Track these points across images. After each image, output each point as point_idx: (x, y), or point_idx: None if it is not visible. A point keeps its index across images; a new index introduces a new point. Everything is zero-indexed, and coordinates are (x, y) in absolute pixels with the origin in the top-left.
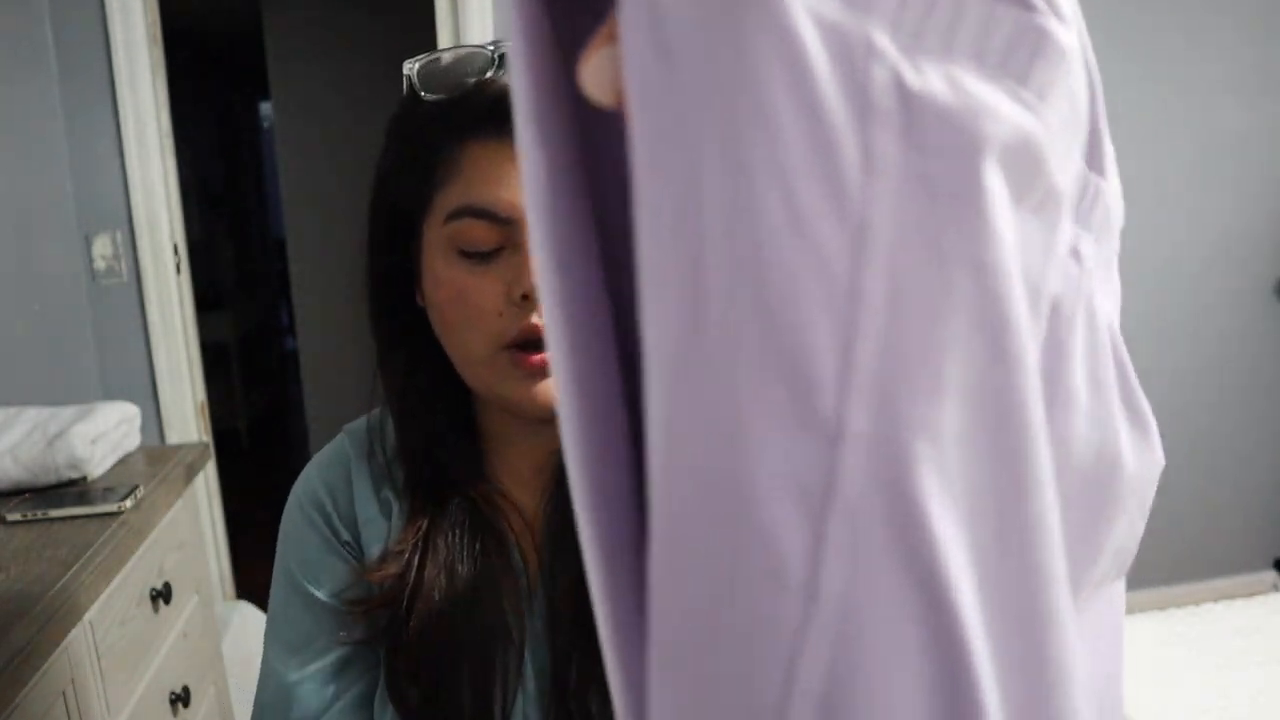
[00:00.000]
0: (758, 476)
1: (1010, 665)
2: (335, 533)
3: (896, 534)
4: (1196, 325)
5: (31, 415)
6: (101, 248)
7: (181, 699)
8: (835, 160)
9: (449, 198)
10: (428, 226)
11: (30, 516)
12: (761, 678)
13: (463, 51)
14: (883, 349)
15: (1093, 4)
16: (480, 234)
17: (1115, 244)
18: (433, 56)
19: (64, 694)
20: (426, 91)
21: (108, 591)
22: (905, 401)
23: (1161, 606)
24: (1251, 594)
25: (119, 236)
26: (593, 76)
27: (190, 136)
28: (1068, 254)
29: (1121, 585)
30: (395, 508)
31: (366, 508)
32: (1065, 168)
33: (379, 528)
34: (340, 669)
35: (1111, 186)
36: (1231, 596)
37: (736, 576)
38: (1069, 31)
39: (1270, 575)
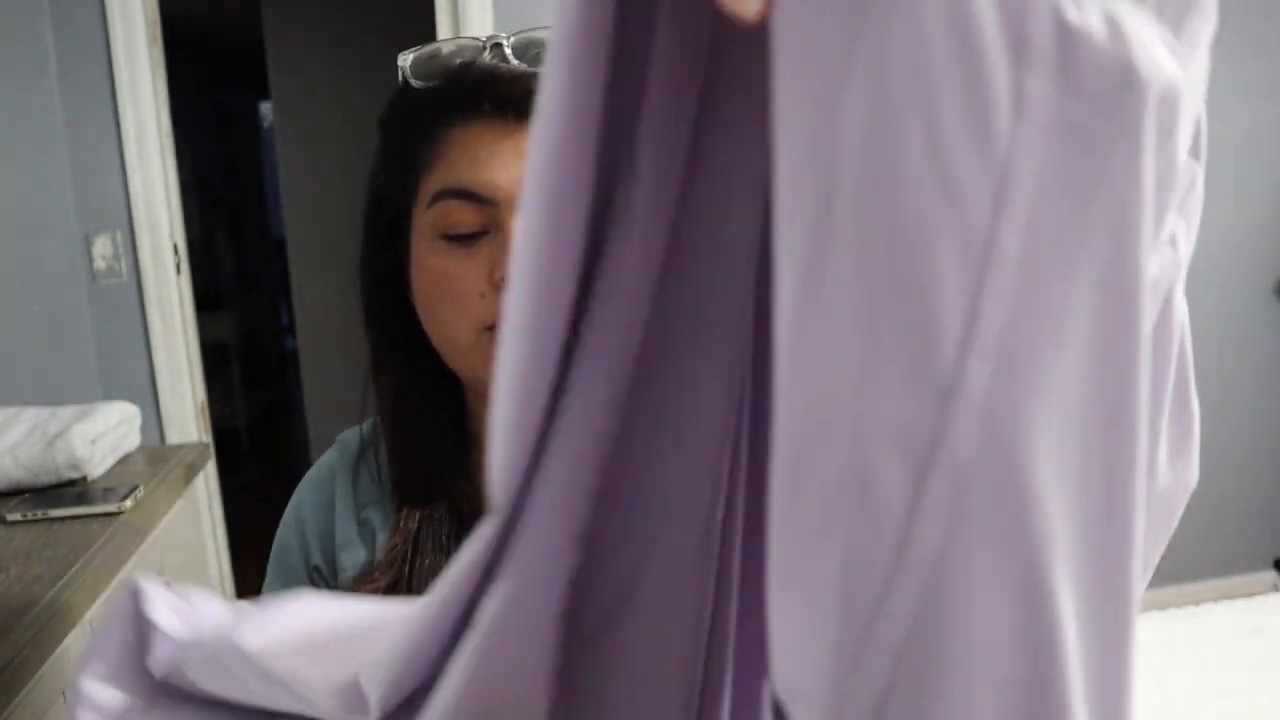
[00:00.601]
0: (867, 420)
1: (1093, 652)
2: (307, 557)
3: (1002, 501)
4: (1196, 325)
5: (31, 415)
6: (101, 248)
7: None
8: (986, 99)
9: (432, 182)
10: (415, 216)
11: (30, 516)
12: (848, 617)
13: (454, 44)
14: (1011, 307)
15: None
16: (462, 216)
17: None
18: (425, 48)
19: (64, 694)
20: (416, 79)
21: (108, 591)
22: (1028, 364)
23: (1161, 606)
24: (1251, 594)
25: (119, 236)
26: None
27: (190, 136)
28: (1167, 240)
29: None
30: (377, 529)
31: (346, 530)
32: (1186, 138)
33: (356, 553)
34: None
35: (1201, 175)
36: (1231, 596)
37: (836, 513)
38: None
39: (1270, 575)
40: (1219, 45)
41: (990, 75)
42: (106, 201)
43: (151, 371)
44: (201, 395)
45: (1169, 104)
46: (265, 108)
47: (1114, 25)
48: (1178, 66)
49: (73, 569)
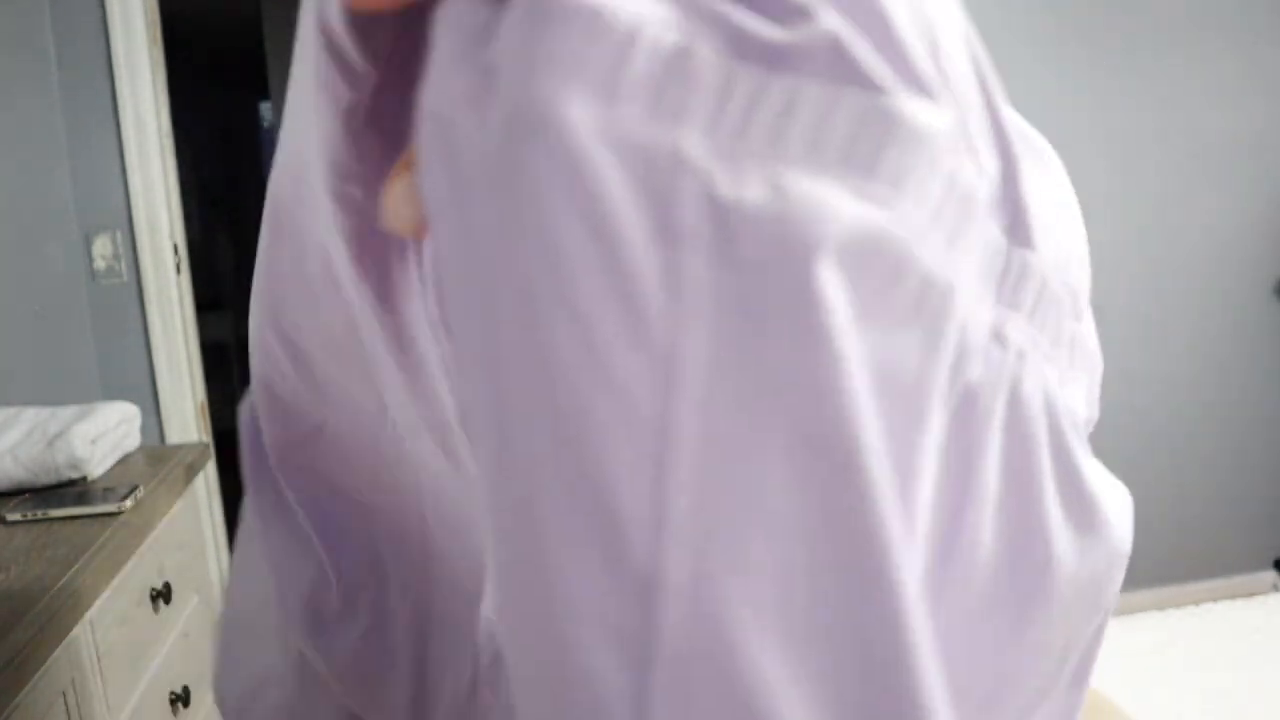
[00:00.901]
0: (577, 622)
1: None
2: None
3: (725, 686)
4: (1196, 325)
5: (31, 415)
6: (101, 248)
7: (181, 699)
8: (634, 289)
9: None
10: None
11: (30, 516)
12: None
13: None
14: (700, 489)
15: (1092, 13)
16: None
17: (1074, 312)
18: None
19: (64, 694)
20: None
21: (108, 591)
22: (729, 544)
23: (1161, 606)
24: (1251, 594)
25: (119, 236)
26: (393, 208)
27: (190, 136)
28: (989, 340)
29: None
30: None
31: None
32: (952, 257)
33: None
34: None
35: (1047, 256)
36: (1231, 596)
37: None
38: (938, 108)
39: (1270, 575)
40: (1217, 45)
41: (636, 264)
42: (106, 201)
43: (151, 371)
44: (201, 395)
45: (873, 246)
46: (265, 108)
47: (778, 191)
48: (874, 208)
49: (73, 569)
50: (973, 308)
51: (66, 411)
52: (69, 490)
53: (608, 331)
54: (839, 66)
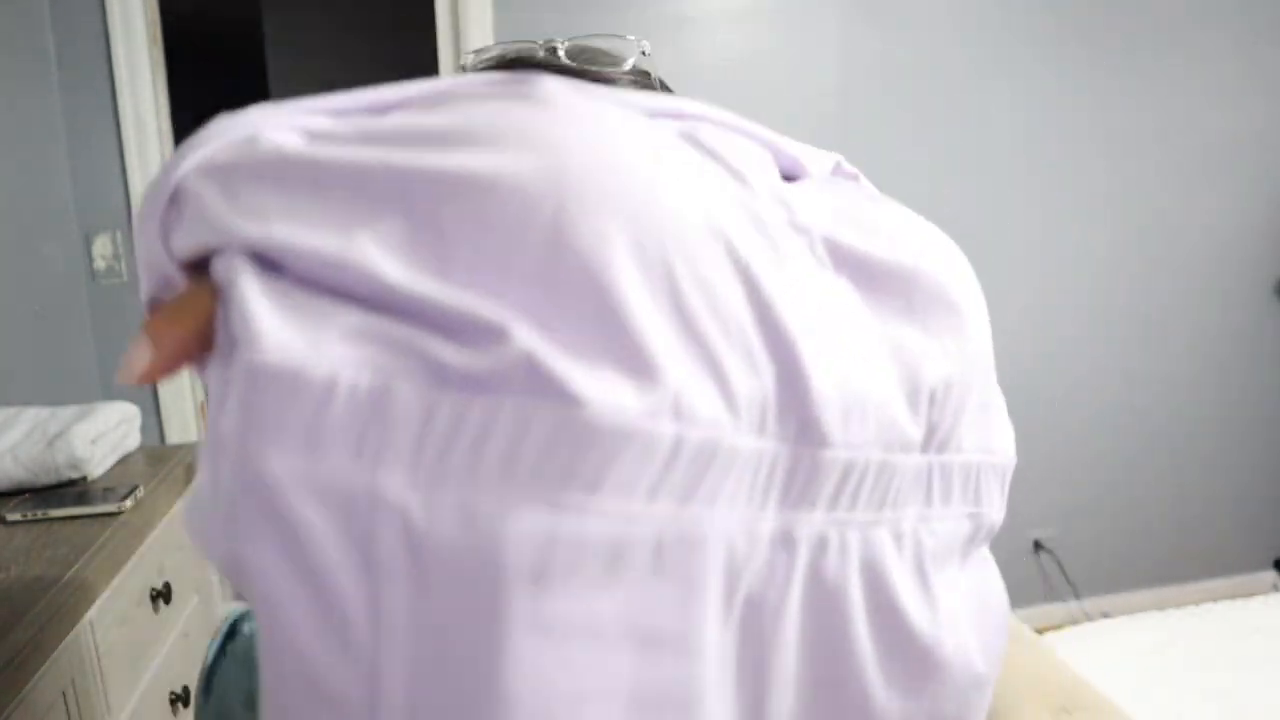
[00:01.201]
0: None
1: None
2: None
3: None
4: (1196, 325)
5: (31, 415)
6: (101, 248)
7: (182, 699)
8: (343, 621)
9: None
10: None
11: (30, 516)
12: None
13: (514, 47)
14: None
15: (1092, 13)
16: None
17: (936, 445)
18: (488, 50)
19: (64, 694)
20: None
21: (108, 591)
22: None
23: (1161, 606)
24: (1251, 594)
25: (119, 236)
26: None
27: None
28: (771, 548)
29: None
30: None
31: None
32: (690, 510)
33: None
34: None
35: (856, 435)
36: (1231, 596)
37: None
38: (656, 382)
39: (1270, 575)
40: (1217, 46)
41: (344, 600)
42: (106, 201)
43: None
44: (201, 395)
45: (575, 552)
46: None
47: (469, 517)
48: (569, 517)
49: (73, 569)
50: (743, 531)
51: (66, 411)
52: (69, 490)
53: (322, 664)
54: (534, 383)
